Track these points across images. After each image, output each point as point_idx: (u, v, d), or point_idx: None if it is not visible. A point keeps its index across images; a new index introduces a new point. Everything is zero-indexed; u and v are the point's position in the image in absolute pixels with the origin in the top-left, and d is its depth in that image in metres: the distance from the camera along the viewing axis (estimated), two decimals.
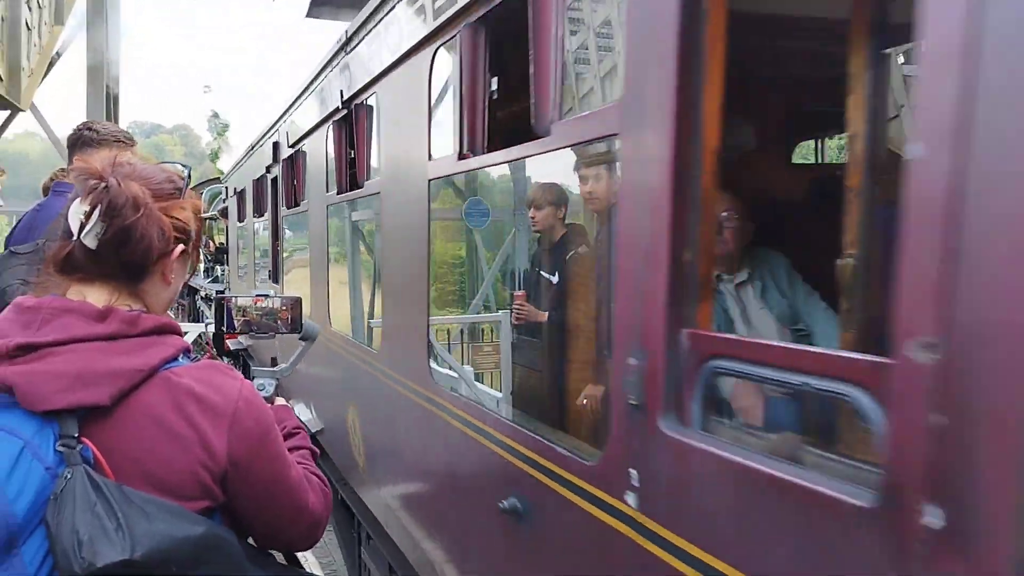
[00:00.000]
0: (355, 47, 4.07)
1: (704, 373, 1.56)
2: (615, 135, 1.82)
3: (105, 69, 17.98)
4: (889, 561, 1.13)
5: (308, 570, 6.05)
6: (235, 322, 2.32)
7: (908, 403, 1.10)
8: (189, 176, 1.71)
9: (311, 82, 5.39)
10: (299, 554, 2.02)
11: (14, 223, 3.50)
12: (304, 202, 5.97)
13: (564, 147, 2.21)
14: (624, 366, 1.73)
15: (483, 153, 2.55)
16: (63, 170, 4.13)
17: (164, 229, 1.54)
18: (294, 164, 6.22)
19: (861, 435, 1.36)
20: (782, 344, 1.56)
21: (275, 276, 7.83)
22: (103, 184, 1.49)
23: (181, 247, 1.61)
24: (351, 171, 4.32)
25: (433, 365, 3.31)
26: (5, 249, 3.07)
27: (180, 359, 1.57)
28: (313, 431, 2.32)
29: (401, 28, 3.20)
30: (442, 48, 2.86)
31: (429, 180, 3.08)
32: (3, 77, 13.12)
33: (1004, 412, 0.98)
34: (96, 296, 1.54)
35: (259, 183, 8.53)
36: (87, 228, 1.48)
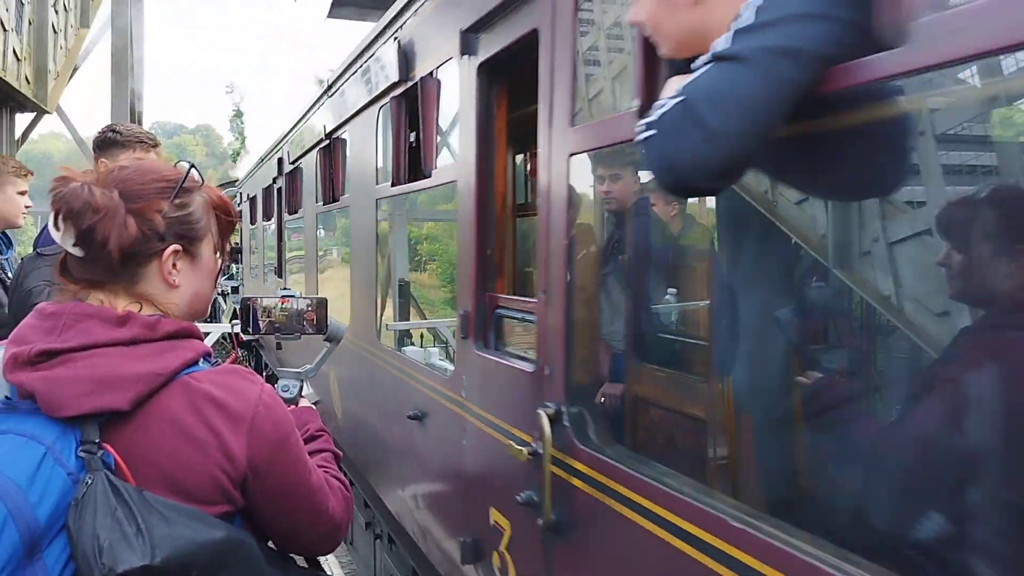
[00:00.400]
0: (333, 94, 5.53)
1: (495, 318, 2.87)
2: (454, 182, 3.15)
3: (129, 70, 18.18)
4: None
5: (328, 571, 6.15)
6: (260, 323, 2.30)
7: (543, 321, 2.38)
8: (191, 171, 1.65)
9: (304, 114, 7.07)
10: None
11: (40, 224, 3.56)
12: (301, 210, 7.48)
13: (439, 185, 3.49)
14: (459, 315, 3.01)
15: (405, 183, 3.79)
16: (87, 172, 4.35)
17: (131, 230, 1.51)
18: (294, 178, 7.74)
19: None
20: (515, 297, 2.86)
21: (280, 272, 9.36)
22: (62, 189, 1.50)
23: (174, 247, 1.58)
24: (332, 187, 5.73)
25: (384, 328, 4.70)
26: (33, 250, 3.11)
27: (200, 363, 1.57)
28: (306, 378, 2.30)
29: (360, 88, 4.63)
30: (382, 109, 4.19)
31: (376, 199, 4.49)
32: (30, 80, 13.54)
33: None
34: (107, 301, 1.56)
35: (267, 191, 10.17)
36: (59, 235, 1.51)
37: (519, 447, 2.38)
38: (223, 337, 13.09)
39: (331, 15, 8.07)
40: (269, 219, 10.14)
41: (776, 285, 1.77)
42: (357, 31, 5.68)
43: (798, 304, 1.75)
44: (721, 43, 1.35)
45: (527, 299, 2.59)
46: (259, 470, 1.54)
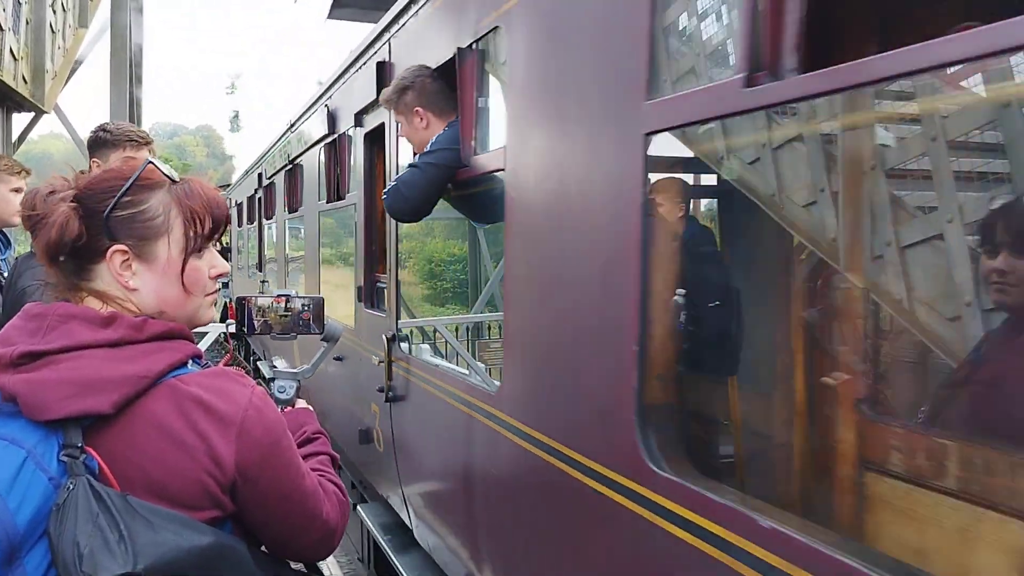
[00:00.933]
0: (295, 130, 7.53)
1: (375, 288, 4.64)
2: (355, 203, 4.91)
3: (128, 71, 18.30)
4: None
5: (327, 571, 6.16)
6: (255, 323, 2.26)
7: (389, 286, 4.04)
8: (145, 168, 1.60)
9: (277, 140, 9.05)
10: None
11: None
12: (274, 216, 9.49)
13: (349, 204, 5.26)
14: (356, 288, 4.82)
15: (333, 202, 5.70)
16: (83, 173, 4.41)
17: (66, 230, 1.49)
18: (270, 191, 9.73)
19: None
20: (383, 275, 4.13)
21: (260, 267, 11.49)
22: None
23: (117, 247, 1.53)
24: (294, 200, 7.81)
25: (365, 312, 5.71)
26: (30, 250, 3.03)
27: (190, 365, 1.54)
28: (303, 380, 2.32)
29: (310, 130, 6.56)
30: (320, 149, 6.07)
31: (319, 212, 6.40)
32: (27, 79, 13.58)
33: None
34: (81, 301, 1.54)
35: (251, 199, 12.25)
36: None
37: (378, 360, 4.19)
38: (221, 338, 13.17)
39: (331, 16, 8.09)
40: (252, 223, 12.15)
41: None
42: (358, 31, 5.80)
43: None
44: (414, 159, 3.31)
45: (385, 275, 4.38)
46: (249, 475, 1.49)
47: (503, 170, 2.71)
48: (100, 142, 3.11)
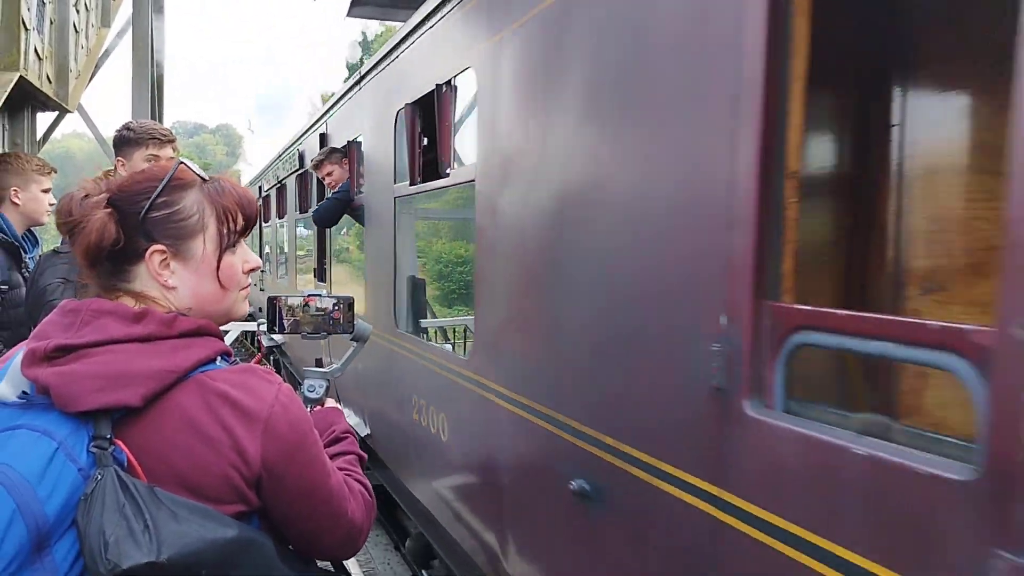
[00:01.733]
0: (283, 159, 10.81)
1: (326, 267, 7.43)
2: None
3: (149, 70, 18.43)
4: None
5: (349, 570, 6.47)
6: (285, 322, 2.27)
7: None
8: (178, 168, 1.64)
9: (271, 164, 12.90)
10: None
11: None
12: (270, 222, 13.06)
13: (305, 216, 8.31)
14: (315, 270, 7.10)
15: (300, 214, 8.87)
16: (108, 172, 4.48)
17: (105, 233, 1.52)
18: (267, 200, 12.89)
19: None
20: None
21: (259, 255, 16.17)
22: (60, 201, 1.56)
23: (156, 247, 1.57)
24: (281, 209, 11.27)
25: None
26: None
27: (218, 362, 1.57)
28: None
29: (291, 162, 9.81)
30: (296, 179, 9.32)
31: (294, 219, 9.71)
32: (51, 79, 13.67)
33: None
34: (112, 295, 1.58)
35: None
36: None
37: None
38: (244, 336, 13.22)
39: (351, 14, 8.09)
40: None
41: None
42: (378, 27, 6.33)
43: None
44: (329, 194, 6.72)
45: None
46: (274, 471, 1.53)
47: (473, 180, 3.68)
48: (124, 140, 3.19)
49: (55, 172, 4.05)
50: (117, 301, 1.56)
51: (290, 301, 2.28)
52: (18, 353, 1.53)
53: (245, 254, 1.71)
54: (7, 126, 11.68)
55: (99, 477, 1.39)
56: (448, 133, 4.13)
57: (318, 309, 2.28)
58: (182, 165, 1.64)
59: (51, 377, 1.44)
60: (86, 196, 1.56)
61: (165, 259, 1.58)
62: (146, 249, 1.57)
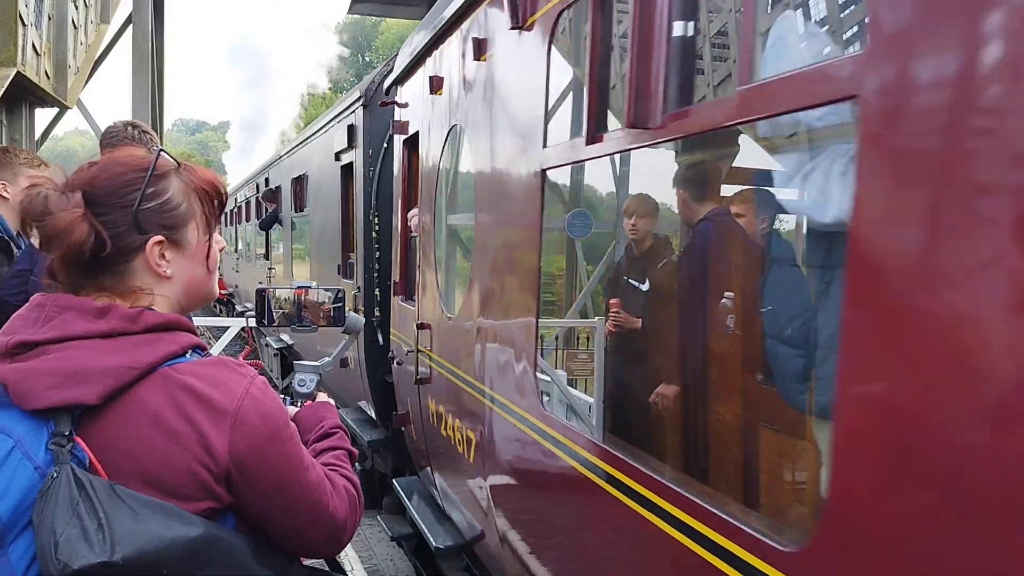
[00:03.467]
0: (266, 171, 14.52)
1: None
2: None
3: (151, 66, 18.37)
4: None
5: (348, 567, 6.50)
6: (274, 315, 2.23)
7: None
8: (159, 157, 1.61)
9: (248, 180, 17.79)
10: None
11: None
12: (249, 223, 16.56)
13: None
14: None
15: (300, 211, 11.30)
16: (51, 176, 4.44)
17: (91, 231, 1.47)
18: (247, 206, 16.85)
19: None
20: None
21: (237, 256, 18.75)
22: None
23: (156, 238, 1.54)
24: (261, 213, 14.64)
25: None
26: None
27: (188, 355, 1.54)
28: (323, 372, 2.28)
29: (283, 170, 12.69)
30: (292, 184, 11.54)
31: (291, 219, 11.91)
32: (50, 75, 13.65)
33: None
34: (96, 295, 1.53)
35: (230, 212, 19.73)
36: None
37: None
38: (241, 332, 13.24)
39: (352, 11, 8.04)
40: (248, 220, 17.62)
41: None
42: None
43: None
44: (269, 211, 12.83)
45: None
46: (245, 466, 1.48)
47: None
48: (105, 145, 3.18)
49: (46, 166, 3.97)
50: (83, 296, 1.51)
51: (279, 293, 2.24)
52: None
53: (215, 236, 1.70)
54: (4, 122, 11.66)
55: (55, 475, 1.35)
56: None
57: (309, 301, 2.24)
58: (163, 153, 1.62)
59: (9, 373, 1.42)
60: (60, 193, 1.50)
61: (162, 249, 1.55)
62: (143, 243, 1.53)
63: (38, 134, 14.84)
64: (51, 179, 1.55)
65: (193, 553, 1.38)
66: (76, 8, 15.04)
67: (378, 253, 6.71)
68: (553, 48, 2.92)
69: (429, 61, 4.79)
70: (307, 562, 1.79)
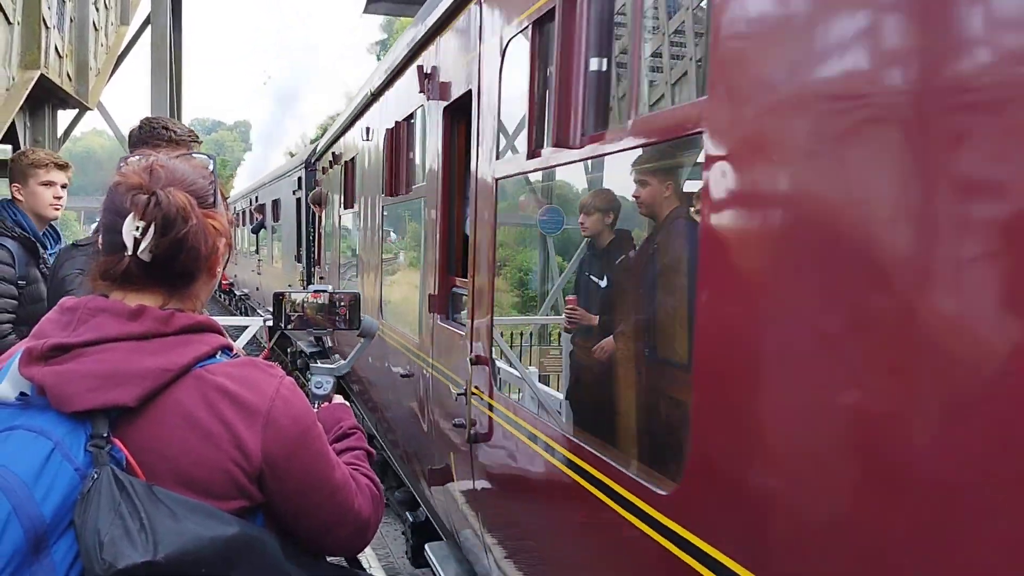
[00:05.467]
0: (264, 189, 19.92)
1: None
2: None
3: (169, 67, 18.52)
4: None
5: (367, 562, 6.49)
6: (291, 317, 2.27)
7: None
8: (215, 165, 1.70)
9: (244, 194, 24.50)
10: None
11: (85, 222, 3.83)
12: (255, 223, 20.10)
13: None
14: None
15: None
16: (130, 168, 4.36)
17: (209, 234, 1.54)
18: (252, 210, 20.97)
19: None
20: None
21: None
22: (155, 199, 1.49)
23: (224, 241, 1.63)
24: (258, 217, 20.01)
25: None
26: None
27: (219, 356, 1.56)
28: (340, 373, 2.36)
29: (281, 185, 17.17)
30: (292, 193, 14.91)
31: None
32: (72, 76, 13.82)
33: None
34: (151, 301, 1.55)
35: (241, 213, 23.09)
36: (143, 244, 1.48)
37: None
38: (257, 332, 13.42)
39: (367, 11, 8.09)
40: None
41: None
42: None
43: None
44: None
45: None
46: (277, 465, 1.52)
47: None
48: (133, 143, 3.19)
49: (57, 165, 4.03)
50: (113, 299, 1.54)
51: (295, 296, 2.28)
52: (18, 352, 1.52)
53: None
54: (28, 124, 11.78)
55: (95, 476, 1.38)
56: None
57: (324, 305, 2.27)
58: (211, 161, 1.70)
59: (47, 377, 1.44)
60: (177, 195, 1.53)
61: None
62: (219, 246, 1.62)
63: (59, 135, 15.00)
64: (64, 180, 1.62)
65: (229, 552, 1.42)
66: (97, 10, 15.17)
67: (315, 248, 11.78)
68: (504, 75, 3.41)
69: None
70: (329, 560, 1.83)
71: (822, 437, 1.55)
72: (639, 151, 2.48)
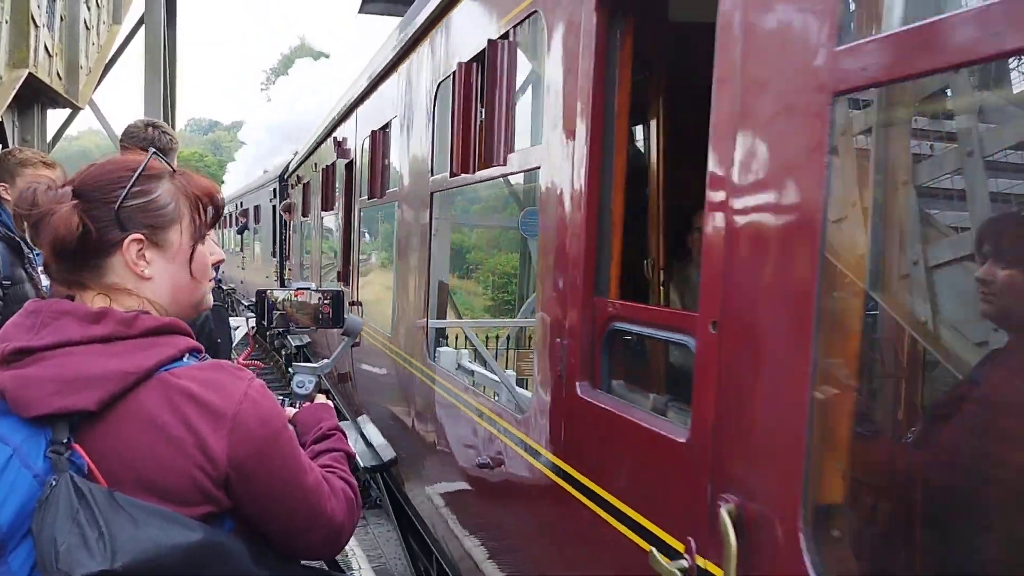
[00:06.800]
0: (247, 197, 22.76)
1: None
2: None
3: (163, 67, 18.46)
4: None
5: (355, 564, 6.41)
6: (273, 316, 2.25)
7: None
8: (151, 158, 1.61)
9: (231, 199, 25.55)
10: (347, 547, 2.00)
11: None
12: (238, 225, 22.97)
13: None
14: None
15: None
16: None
17: (73, 223, 1.47)
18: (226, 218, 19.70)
19: None
20: None
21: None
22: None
23: (134, 236, 1.53)
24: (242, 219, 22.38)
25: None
26: None
27: (186, 359, 1.53)
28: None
29: (260, 195, 19.41)
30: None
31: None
32: (62, 76, 13.72)
33: None
34: (86, 298, 1.53)
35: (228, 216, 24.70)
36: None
37: None
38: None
39: (362, 11, 8.05)
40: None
41: None
42: (389, 24, 5.84)
43: None
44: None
45: None
46: (244, 470, 1.48)
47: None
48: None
49: (45, 164, 3.97)
50: (77, 301, 1.53)
51: (278, 294, 2.26)
52: None
53: (211, 246, 1.70)
54: (17, 123, 11.72)
55: (53, 483, 1.35)
56: None
57: (307, 303, 2.26)
58: (154, 155, 1.63)
59: (7, 381, 1.41)
60: (48, 188, 1.52)
61: (141, 249, 1.55)
62: (122, 239, 1.53)
63: (50, 135, 14.93)
64: (50, 178, 1.59)
65: (193, 558, 1.38)
66: (88, 9, 15.08)
67: (287, 246, 14.17)
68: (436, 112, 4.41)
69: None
70: (306, 563, 1.79)
71: None
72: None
